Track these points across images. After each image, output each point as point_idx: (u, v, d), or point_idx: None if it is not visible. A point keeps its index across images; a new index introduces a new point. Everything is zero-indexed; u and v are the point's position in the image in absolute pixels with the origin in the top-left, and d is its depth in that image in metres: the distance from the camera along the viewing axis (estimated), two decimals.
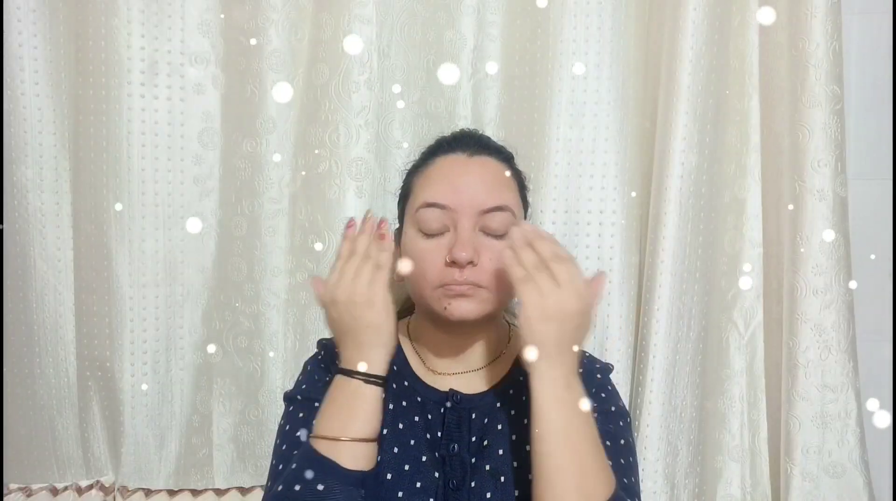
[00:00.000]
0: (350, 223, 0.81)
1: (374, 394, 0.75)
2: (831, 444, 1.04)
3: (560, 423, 0.71)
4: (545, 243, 0.75)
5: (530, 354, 0.72)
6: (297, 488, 0.70)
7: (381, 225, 0.79)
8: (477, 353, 0.88)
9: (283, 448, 0.79)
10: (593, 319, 0.77)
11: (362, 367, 0.75)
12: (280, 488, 0.72)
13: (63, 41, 1.08)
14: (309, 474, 0.71)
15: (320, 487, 0.70)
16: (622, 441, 0.81)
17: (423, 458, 0.81)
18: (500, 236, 0.82)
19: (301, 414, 0.81)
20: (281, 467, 0.76)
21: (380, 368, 0.76)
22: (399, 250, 0.92)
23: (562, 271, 0.73)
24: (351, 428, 0.73)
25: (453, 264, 0.78)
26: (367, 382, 0.75)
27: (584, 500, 0.69)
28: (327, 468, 0.71)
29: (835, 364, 1.03)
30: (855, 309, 1.04)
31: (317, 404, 0.81)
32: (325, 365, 0.86)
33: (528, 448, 0.77)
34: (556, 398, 0.72)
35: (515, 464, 0.80)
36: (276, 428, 0.84)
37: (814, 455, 1.04)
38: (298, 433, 0.79)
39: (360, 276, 0.77)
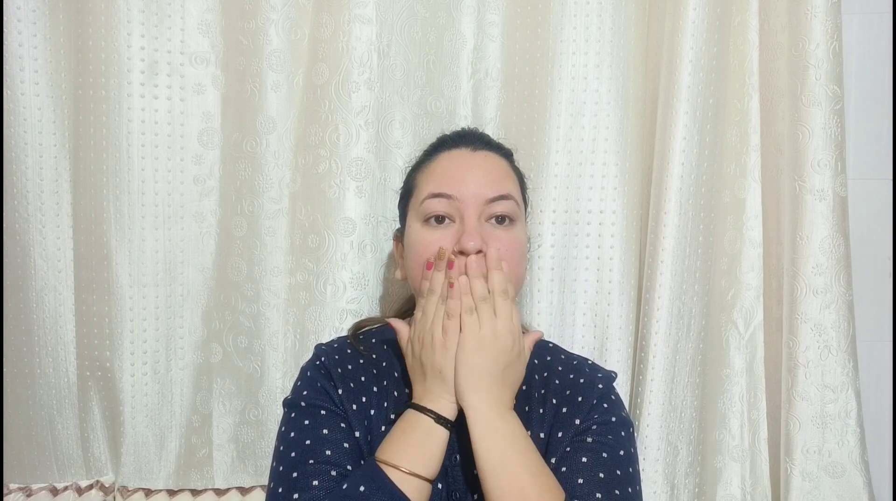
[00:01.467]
0: (428, 265, 0.81)
1: (442, 435, 0.75)
2: (831, 444, 1.04)
3: (496, 453, 0.72)
4: (499, 275, 0.78)
5: (464, 385, 0.74)
6: None
7: (450, 266, 0.79)
8: None
9: (293, 455, 0.77)
10: (523, 369, 0.80)
11: (436, 408, 0.76)
12: None
13: (63, 41, 1.08)
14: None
15: None
16: (621, 452, 0.80)
17: None
18: (505, 224, 0.83)
19: (307, 421, 0.80)
20: (296, 475, 0.75)
21: (449, 412, 0.76)
22: (401, 250, 0.92)
23: (504, 306, 0.77)
24: (419, 465, 0.73)
25: (461, 253, 0.79)
26: (437, 421, 0.75)
27: None
28: (398, 500, 0.71)
29: (835, 364, 1.03)
30: (855, 309, 1.04)
31: (323, 412, 0.81)
32: (326, 372, 0.85)
33: None
34: (492, 429, 0.73)
35: None
36: (276, 431, 0.83)
37: (814, 455, 1.04)
38: (312, 443, 0.78)
39: (437, 319, 0.78)
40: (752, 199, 1.12)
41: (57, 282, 1.10)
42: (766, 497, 1.12)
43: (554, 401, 0.85)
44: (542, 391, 0.86)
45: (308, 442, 0.78)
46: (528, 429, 0.78)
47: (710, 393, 1.11)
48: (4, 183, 1.07)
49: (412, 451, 0.73)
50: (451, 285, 0.77)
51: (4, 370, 1.10)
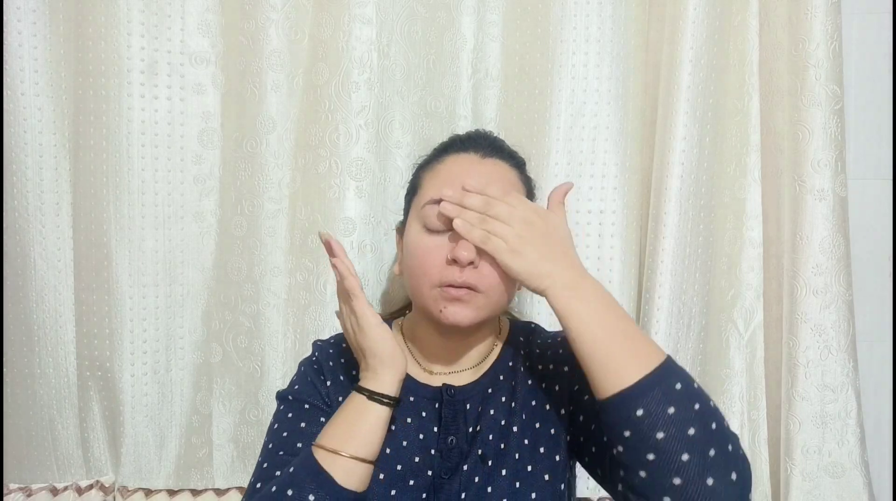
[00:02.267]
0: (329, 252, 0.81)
1: (378, 413, 0.76)
2: (831, 444, 1.04)
3: (593, 306, 0.71)
4: (474, 198, 0.77)
5: (534, 281, 0.73)
6: (290, 493, 0.71)
7: (329, 248, 0.80)
8: (471, 354, 0.88)
9: (270, 446, 0.80)
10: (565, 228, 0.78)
11: (370, 385, 0.77)
12: (273, 489, 0.72)
13: (63, 41, 1.08)
14: (304, 482, 0.71)
15: (311, 498, 0.70)
16: None
17: (416, 459, 0.81)
18: None
19: (290, 414, 0.82)
20: (266, 466, 0.77)
21: (387, 388, 0.77)
22: (402, 244, 0.92)
23: (500, 210, 0.76)
24: (350, 445, 0.73)
25: (454, 262, 0.78)
26: (370, 398, 0.76)
27: (639, 362, 0.68)
28: (322, 481, 0.71)
29: (835, 364, 1.03)
30: (855, 309, 1.04)
31: (307, 406, 0.83)
32: (318, 367, 0.87)
33: (514, 429, 0.80)
34: (572, 294, 0.72)
35: (502, 446, 0.80)
36: None
37: (814, 455, 1.04)
38: (288, 435, 0.79)
39: (344, 306, 0.81)
40: (752, 199, 1.12)
41: (57, 282, 1.10)
42: (766, 497, 1.12)
43: (539, 367, 0.86)
44: (528, 364, 0.87)
45: (285, 435, 0.80)
46: (514, 403, 0.81)
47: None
48: (4, 183, 1.07)
49: (341, 430, 0.74)
50: (333, 264, 0.78)
51: (4, 370, 1.10)
